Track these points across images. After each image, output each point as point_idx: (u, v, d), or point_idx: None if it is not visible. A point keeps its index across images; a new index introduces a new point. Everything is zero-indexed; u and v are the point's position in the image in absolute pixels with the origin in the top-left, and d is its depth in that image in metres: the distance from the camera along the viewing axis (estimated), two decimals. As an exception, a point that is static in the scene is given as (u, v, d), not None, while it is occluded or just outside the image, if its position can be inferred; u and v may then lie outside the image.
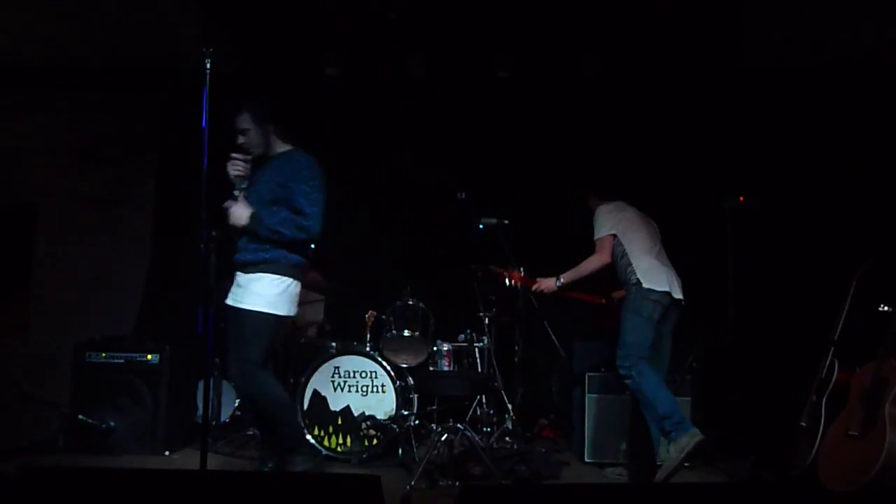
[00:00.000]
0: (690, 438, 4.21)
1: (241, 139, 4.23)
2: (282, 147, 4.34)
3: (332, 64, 5.97)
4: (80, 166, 6.69)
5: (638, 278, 4.52)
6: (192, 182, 3.86)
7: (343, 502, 2.53)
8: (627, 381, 4.47)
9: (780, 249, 6.01)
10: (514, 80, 6.06)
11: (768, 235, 5.99)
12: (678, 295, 4.59)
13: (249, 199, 4.15)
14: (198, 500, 2.51)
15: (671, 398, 4.39)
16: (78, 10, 5.39)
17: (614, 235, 4.66)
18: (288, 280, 4.15)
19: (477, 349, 5.44)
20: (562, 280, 4.79)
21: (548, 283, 4.85)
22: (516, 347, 5.64)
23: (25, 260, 6.93)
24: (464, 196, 5.54)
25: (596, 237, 4.71)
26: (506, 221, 5.30)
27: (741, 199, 5.60)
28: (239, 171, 4.14)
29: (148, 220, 6.72)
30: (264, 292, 4.07)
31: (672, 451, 4.28)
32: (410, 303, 5.33)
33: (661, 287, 4.50)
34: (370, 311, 5.47)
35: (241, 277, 4.17)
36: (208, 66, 3.70)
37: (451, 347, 5.34)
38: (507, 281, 4.92)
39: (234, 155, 4.14)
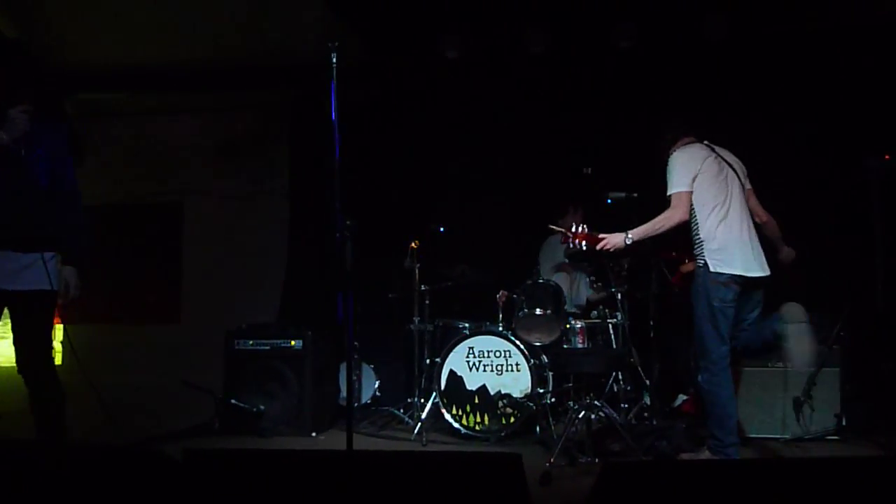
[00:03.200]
0: None
1: (22, 108, 3.71)
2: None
3: (453, 47, 6.01)
4: (220, 163, 7.05)
5: (706, 260, 4.24)
6: (324, 173, 4.00)
7: (485, 480, 2.57)
8: (699, 378, 4.36)
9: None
10: (636, 49, 5.91)
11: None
12: (757, 273, 4.25)
13: (30, 161, 3.73)
14: (348, 479, 2.62)
15: (732, 422, 4.23)
16: (208, 13, 5.65)
17: (690, 193, 4.28)
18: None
19: (611, 325, 5.38)
20: (631, 237, 4.32)
21: (616, 240, 4.34)
22: (651, 323, 5.54)
23: (176, 254, 7.39)
24: (590, 171, 5.47)
25: (669, 191, 4.32)
26: (634, 195, 5.18)
27: (886, 157, 5.28)
28: (27, 127, 3.70)
29: (284, 211, 7.00)
30: (54, 270, 3.72)
31: (705, 453, 4.29)
32: (541, 281, 5.33)
33: (733, 269, 4.19)
34: (501, 291, 5.51)
35: (29, 257, 3.67)
36: (334, 60, 3.80)
37: (584, 325, 5.30)
38: (570, 243, 4.54)
39: (27, 109, 3.70)
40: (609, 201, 5.25)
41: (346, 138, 3.90)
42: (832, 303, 5.00)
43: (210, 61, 6.58)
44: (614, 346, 5.34)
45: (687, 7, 5.65)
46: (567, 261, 5.85)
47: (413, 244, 5.58)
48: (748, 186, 4.51)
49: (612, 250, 4.42)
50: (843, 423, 4.98)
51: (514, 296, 5.34)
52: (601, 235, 4.39)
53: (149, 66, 6.54)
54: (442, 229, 5.90)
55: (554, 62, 6.19)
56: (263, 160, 7.10)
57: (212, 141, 7.09)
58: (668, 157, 4.45)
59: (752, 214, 4.47)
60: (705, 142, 4.50)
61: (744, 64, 6.00)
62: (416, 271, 5.60)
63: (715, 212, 4.29)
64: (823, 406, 5.01)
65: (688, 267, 4.47)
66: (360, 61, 5.99)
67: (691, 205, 4.31)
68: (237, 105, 6.98)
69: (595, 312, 5.48)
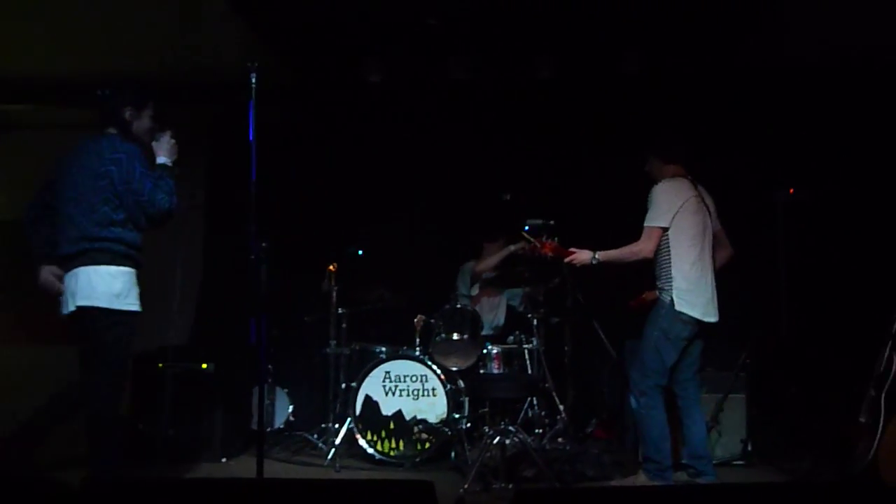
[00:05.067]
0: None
1: (170, 134, 4.12)
2: None
3: (375, 71, 6.01)
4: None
5: (672, 298, 4.31)
6: (241, 193, 3.94)
7: (397, 508, 2.55)
8: (632, 402, 4.45)
9: (833, 242, 5.88)
10: (556, 80, 6.02)
11: (820, 228, 5.86)
12: (711, 319, 4.39)
13: None
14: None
15: (667, 444, 4.38)
16: (127, 28, 5.52)
17: (665, 229, 4.37)
18: None
19: (526, 351, 5.43)
20: (598, 258, 4.42)
21: (583, 257, 4.44)
22: (566, 348, 5.61)
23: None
24: (508, 198, 5.53)
25: (646, 223, 4.38)
26: (551, 222, 5.25)
27: (791, 191, 5.50)
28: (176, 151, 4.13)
29: (199, 231, 6.84)
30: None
31: (641, 478, 4.41)
32: (459, 306, 5.35)
33: (694, 312, 4.31)
34: (419, 316, 5.50)
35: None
36: (253, 80, 3.77)
37: (500, 350, 5.33)
38: (537, 251, 4.53)
39: (174, 135, 4.10)
40: (527, 228, 5.30)
41: (264, 159, 3.86)
42: (738, 330, 5.16)
43: (128, 77, 6.41)
44: (530, 372, 5.39)
45: (604, 41, 5.78)
46: (485, 284, 5.90)
47: (331, 267, 5.53)
48: (718, 226, 4.63)
49: (577, 265, 4.49)
50: (749, 448, 5.13)
51: (432, 320, 5.34)
52: (571, 249, 4.48)
53: (63, 79, 6.33)
54: (360, 252, 5.87)
55: (475, 89, 6.25)
56: (179, 178, 6.91)
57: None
58: (654, 184, 4.49)
59: (722, 248, 4.63)
60: (690, 177, 4.56)
61: (657, 97, 6.18)
62: (334, 294, 5.54)
63: (690, 252, 4.37)
64: (730, 431, 5.15)
65: (651, 295, 4.54)
66: (280, 82, 5.93)
67: (665, 240, 4.37)
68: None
69: (511, 338, 5.52)
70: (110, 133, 3.95)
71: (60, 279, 3.89)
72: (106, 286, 3.75)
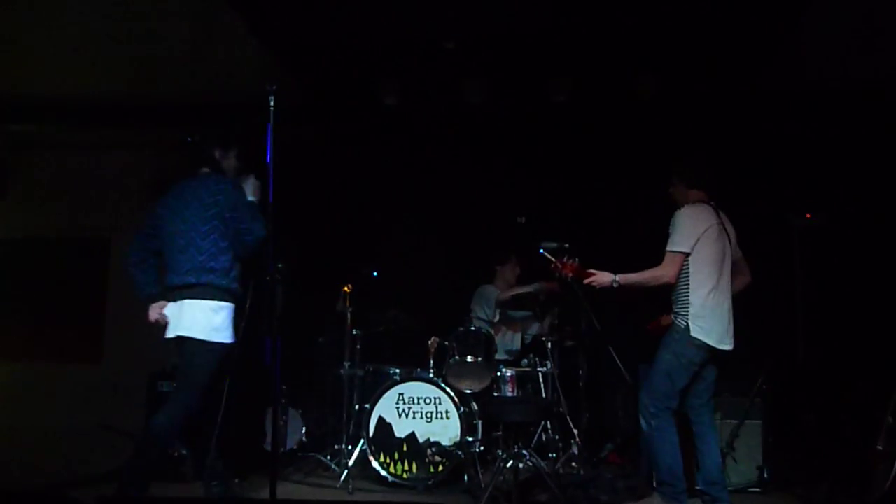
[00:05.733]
0: None
1: (254, 176, 4.41)
2: None
3: (392, 94, 6.06)
4: (149, 201, 6.90)
5: (687, 323, 4.26)
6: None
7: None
8: (643, 425, 4.38)
9: (850, 266, 5.85)
10: (570, 103, 6.05)
11: (837, 252, 5.83)
12: (726, 347, 4.34)
13: None
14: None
15: (679, 467, 4.29)
16: (144, 50, 5.59)
17: (687, 255, 4.31)
18: None
19: (540, 374, 5.41)
20: (619, 281, 4.36)
21: (603, 279, 4.39)
22: (580, 372, 5.59)
23: (100, 292, 7.18)
24: (523, 220, 5.54)
25: (669, 248, 4.32)
26: (566, 245, 5.25)
27: (808, 216, 5.48)
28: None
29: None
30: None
31: (656, 500, 4.33)
32: (473, 328, 5.34)
33: (710, 339, 4.26)
34: (433, 338, 5.49)
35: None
36: (272, 103, 3.79)
37: (514, 373, 5.32)
38: (558, 272, 4.51)
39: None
40: (542, 251, 5.29)
41: (278, 179, 3.88)
42: (754, 356, 5.12)
43: (145, 98, 6.50)
44: (544, 395, 5.37)
45: (619, 65, 5.81)
46: (508, 318, 5.90)
47: (345, 288, 5.54)
48: (738, 253, 4.58)
49: (597, 287, 4.44)
50: (765, 475, 5.07)
51: (446, 342, 5.33)
52: (590, 271, 4.44)
53: (77, 99, 6.43)
54: (375, 274, 5.88)
55: (491, 113, 6.28)
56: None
57: (142, 177, 6.96)
58: (676, 208, 4.45)
59: (740, 275, 4.56)
60: (712, 203, 4.52)
61: (672, 121, 6.19)
62: (348, 315, 5.55)
63: (709, 279, 4.32)
64: (746, 458, 5.09)
65: (667, 319, 4.50)
66: (295, 103, 5.98)
67: (685, 266, 4.32)
68: (170, 142, 6.87)
69: (525, 361, 5.51)
70: (206, 172, 4.27)
71: (163, 314, 4.17)
72: (207, 320, 4.03)
